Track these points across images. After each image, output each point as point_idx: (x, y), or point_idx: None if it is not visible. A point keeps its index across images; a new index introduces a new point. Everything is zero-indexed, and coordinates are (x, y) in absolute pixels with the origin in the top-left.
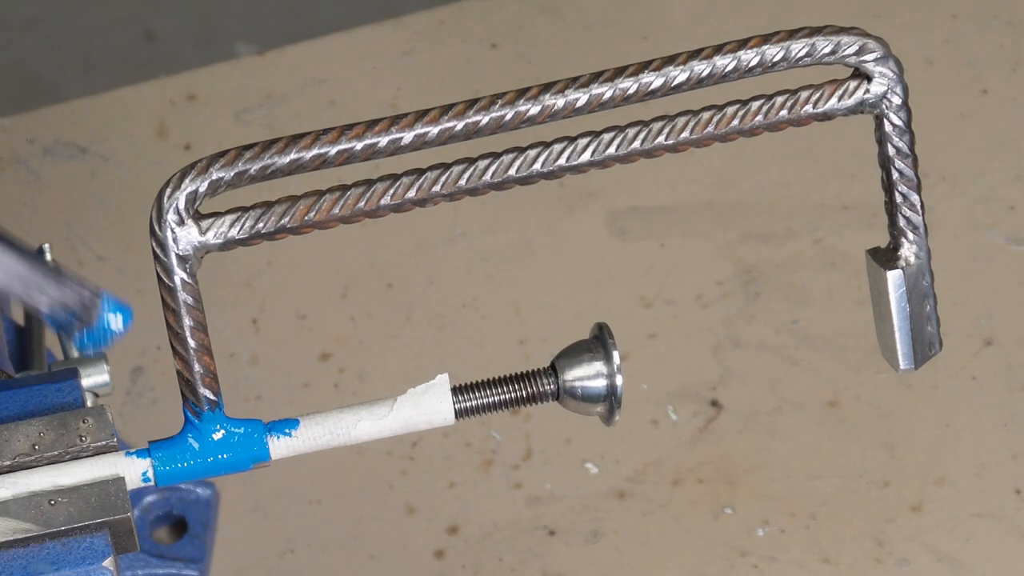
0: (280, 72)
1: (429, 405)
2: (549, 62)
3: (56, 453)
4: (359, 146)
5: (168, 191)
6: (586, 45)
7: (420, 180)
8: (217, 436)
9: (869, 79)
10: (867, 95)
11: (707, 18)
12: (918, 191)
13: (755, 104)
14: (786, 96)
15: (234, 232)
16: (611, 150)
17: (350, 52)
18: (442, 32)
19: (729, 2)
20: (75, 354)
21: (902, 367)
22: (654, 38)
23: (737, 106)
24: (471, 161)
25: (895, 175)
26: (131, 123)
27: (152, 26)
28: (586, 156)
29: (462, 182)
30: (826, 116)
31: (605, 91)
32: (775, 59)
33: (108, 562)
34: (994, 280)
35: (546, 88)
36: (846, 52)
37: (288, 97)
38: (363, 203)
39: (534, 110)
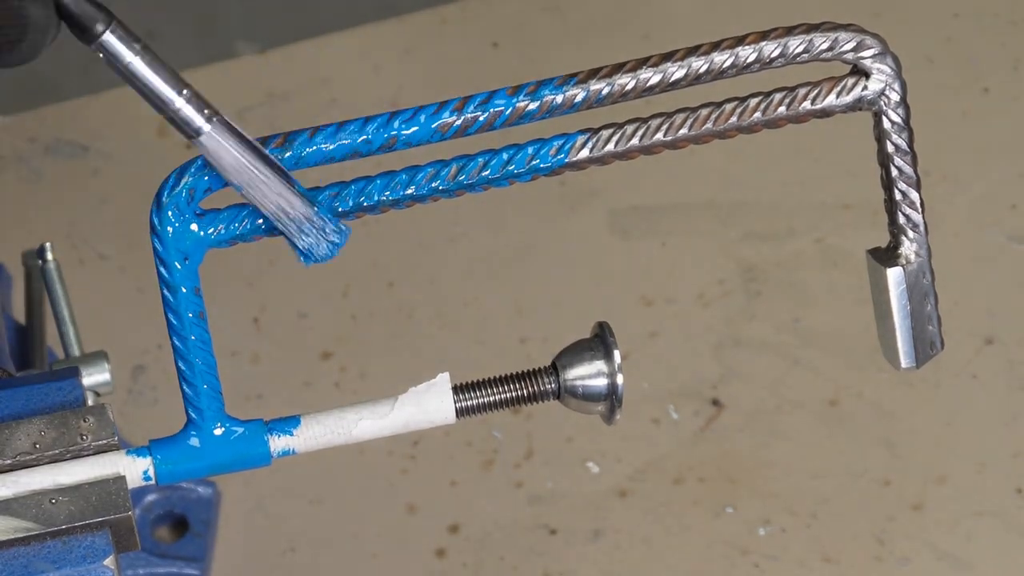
0: (281, 71)
1: (430, 404)
2: (550, 61)
3: (57, 452)
4: (359, 141)
5: (168, 187)
6: (587, 44)
7: (418, 176)
8: (218, 435)
9: (867, 75)
10: (865, 91)
11: (708, 17)
12: (918, 188)
13: (753, 101)
14: (784, 93)
15: (234, 228)
16: (609, 147)
17: (351, 51)
18: (444, 31)
19: (730, 1)
20: (77, 352)
21: (903, 366)
22: (655, 37)
23: (735, 103)
24: (469, 158)
25: (894, 172)
26: (132, 122)
27: (153, 25)
28: (584, 153)
29: (461, 178)
30: (824, 113)
31: (602, 87)
32: (773, 55)
33: (109, 561)
34: (995, 279)
35: (544, 84)
36: (843, 48)
37: (289, 96)
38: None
39: (532, 106)
